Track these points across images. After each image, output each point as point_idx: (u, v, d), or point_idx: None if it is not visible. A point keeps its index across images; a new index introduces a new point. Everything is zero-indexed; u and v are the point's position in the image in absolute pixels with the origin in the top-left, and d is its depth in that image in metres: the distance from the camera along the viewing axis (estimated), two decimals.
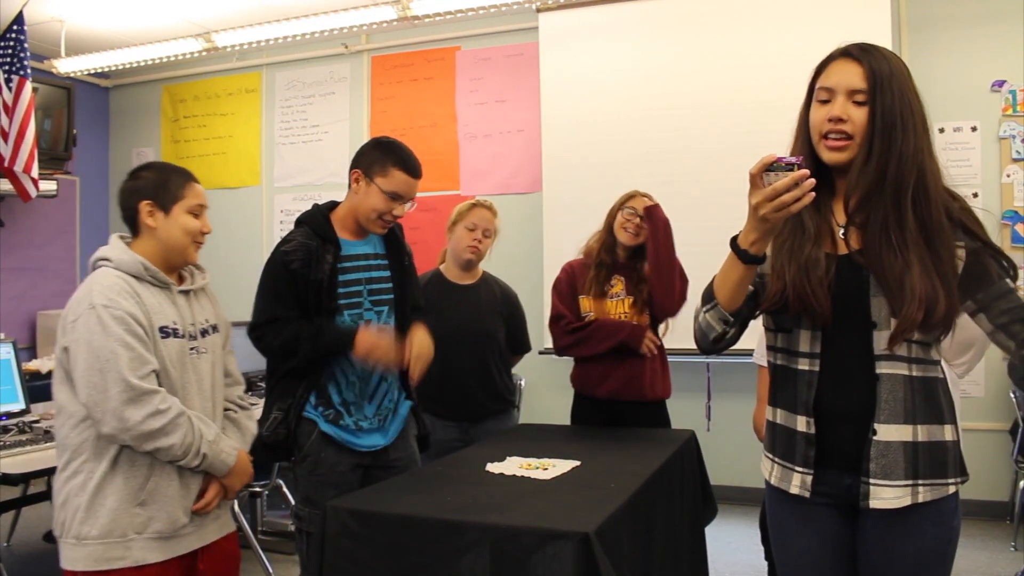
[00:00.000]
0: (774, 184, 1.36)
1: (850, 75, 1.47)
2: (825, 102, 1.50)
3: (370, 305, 2.37)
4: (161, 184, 1.92)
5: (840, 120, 1.47)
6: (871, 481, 1.48)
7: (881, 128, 1.45)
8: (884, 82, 1.45)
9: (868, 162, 1.46)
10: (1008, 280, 1.48)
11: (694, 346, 3.35)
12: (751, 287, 1.57)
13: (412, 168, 2.33)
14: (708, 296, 1.59)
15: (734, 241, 1.49)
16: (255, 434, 2.13)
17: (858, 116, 1.46)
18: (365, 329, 2.26)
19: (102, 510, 1.75)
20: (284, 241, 2.33)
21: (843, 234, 1.53)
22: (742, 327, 1.62)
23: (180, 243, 1.91)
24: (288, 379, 2.31)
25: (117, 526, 1.75)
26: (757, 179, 1.38)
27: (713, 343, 1.61)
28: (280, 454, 2.35)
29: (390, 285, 2.42)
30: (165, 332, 1.85)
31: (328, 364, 2.32)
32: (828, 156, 1.50)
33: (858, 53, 1.49)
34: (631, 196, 2.79)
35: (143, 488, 1.78)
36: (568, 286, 2.84)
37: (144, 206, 1.89)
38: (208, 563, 1.93)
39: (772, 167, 1.36)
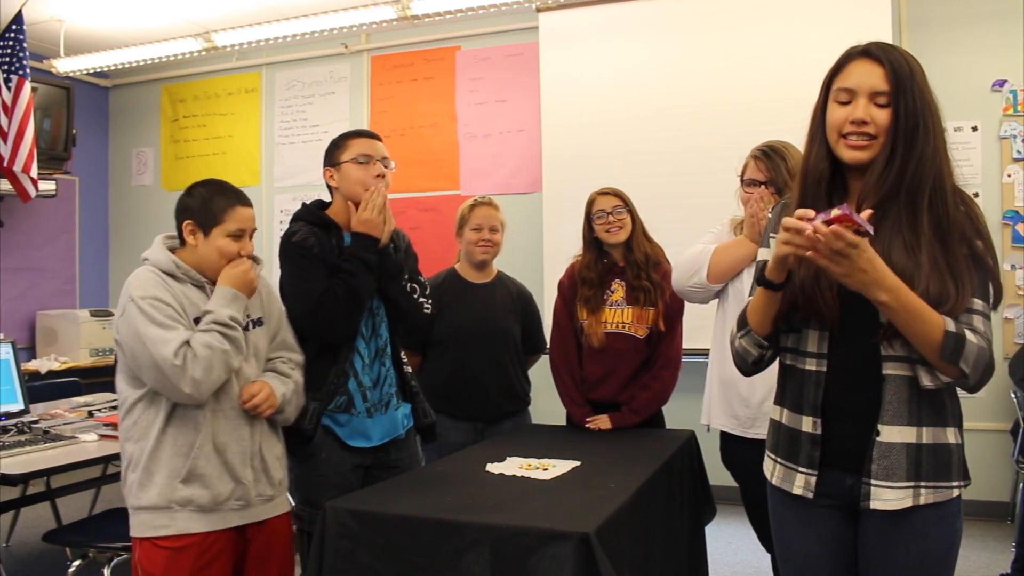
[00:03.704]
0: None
1: (872, 76, 1.45)
2: (845, 103, 1.48)
3: None
4: (205, 206, 1.99)
5: (863, 123, 1.45)
6: (872, 482, 1.47)
7: (904, 131, 1.44)
8: (905, 83, 1.44)
9: (889, 166, 1.44)
10: (977, 300, 1.44)
11: (694, 346, 3.35)
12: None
13: (365, 132, 2.40)
14: (742, 322, 1.61)
15: (761, 267, 1.51)
16: (285, 393, 2.10)
17: (881, 118, 1.45)
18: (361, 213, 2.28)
19: (152, 486, 1.91)
20: (289, 234, 2.32)
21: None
22: (778, 344, 1.63)
23: (215, 265, 2.00)
24: (318, 364, 2.28)
25: (163, 499, 1.90)
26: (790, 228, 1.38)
27: (753, 365, 1.64)
28: (298, 450, 2.33)
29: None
30: (195, 323, 1.96)
31: (350, 349, 2.32)
32: (850, 155, 1.48)
33: (878, 53, 1.46)
34: (592, 202, 2.77)
35: (185, 466, 1.92)
36: (571, 290, 2.83)
37: (186, 226, 2.00)
38: (257, 536, 2.04)
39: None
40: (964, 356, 1.39)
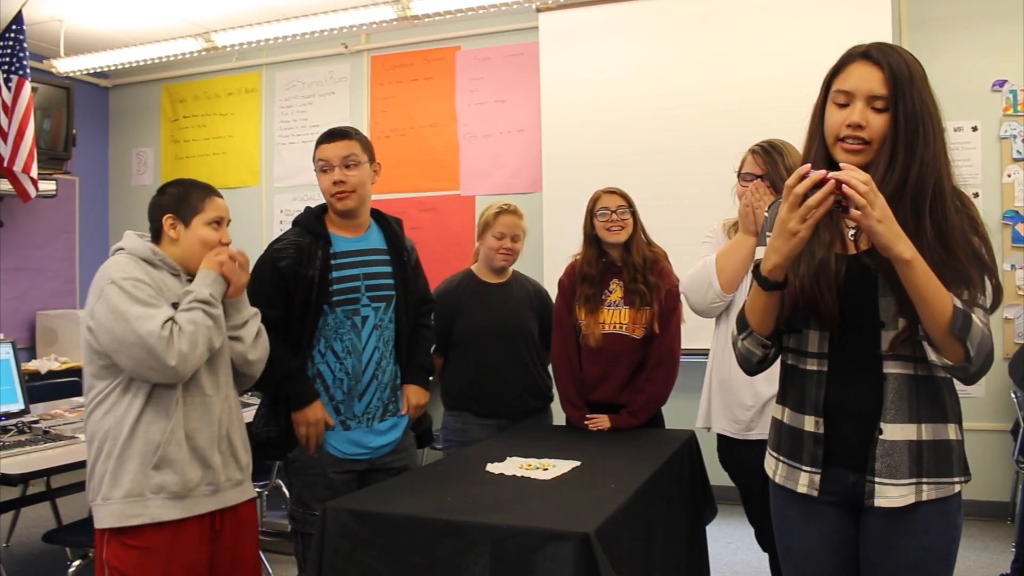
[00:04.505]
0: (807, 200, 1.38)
1: (870, 80, 1.44)
2: (843, 106, 1.47)
3: (368, 301, 2.37)
4: (182, 198, 2.06)
5: (859, 127, 1.44)
6: (876, 480, 1.48)
7: (904, 135, 1.43)
8: (905, 87, 1.43)
9: (891, 170, 1.43)
10: (978, 295, 1.43)
11: (694, 346, 3.35)
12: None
13: (327, 135, 2.39)
14: (742, 324, 1.60)
15: (756, 268, 1.50)
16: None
17: (876, 122, 1.44)
18: (317, 405, 2.30)
19: (124, 474, 1.91)
20: (276, 240, 2.36)
21: (853, 235, 1.53)
22: (781, 341, 1.63)
23: (198, 254, 2.04)
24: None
25: (136, 487, 1.91)
26: (789, 191, 1.39)
27: (758, 365, 1.64)
28: (270, 452, 2.35)
29: (391, 281, 2.42)
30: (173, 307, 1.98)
31: (315, 360, 2.33)
32: (844, 159, 1.47)
33: (878, 56, 1.45)
34: (597, 199, 2.76)
35: (155, 453, 1.92)
36: (570, 288, 2.82)
37: (167, 219, 2.05)
38: (227, 526, 2.07)
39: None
40: (971, 336, 1.37)
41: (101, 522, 1.93)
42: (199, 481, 1.98)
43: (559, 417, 3.12)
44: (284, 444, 2.32)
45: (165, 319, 1.88)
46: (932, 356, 1.43)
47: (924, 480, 1.48)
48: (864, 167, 1.46)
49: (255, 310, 2.16)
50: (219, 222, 2.08)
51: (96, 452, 1.95)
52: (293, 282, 2.28)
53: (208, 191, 2.09)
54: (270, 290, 2.27)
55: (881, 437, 1.48)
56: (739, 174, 2.43)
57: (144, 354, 1.85)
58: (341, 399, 2.34)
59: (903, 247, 1.34)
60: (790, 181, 1.41)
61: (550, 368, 2.98)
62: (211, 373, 2.05)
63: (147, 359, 1.85)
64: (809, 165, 1.41)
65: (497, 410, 2.95)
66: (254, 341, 2.13)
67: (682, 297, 2.65)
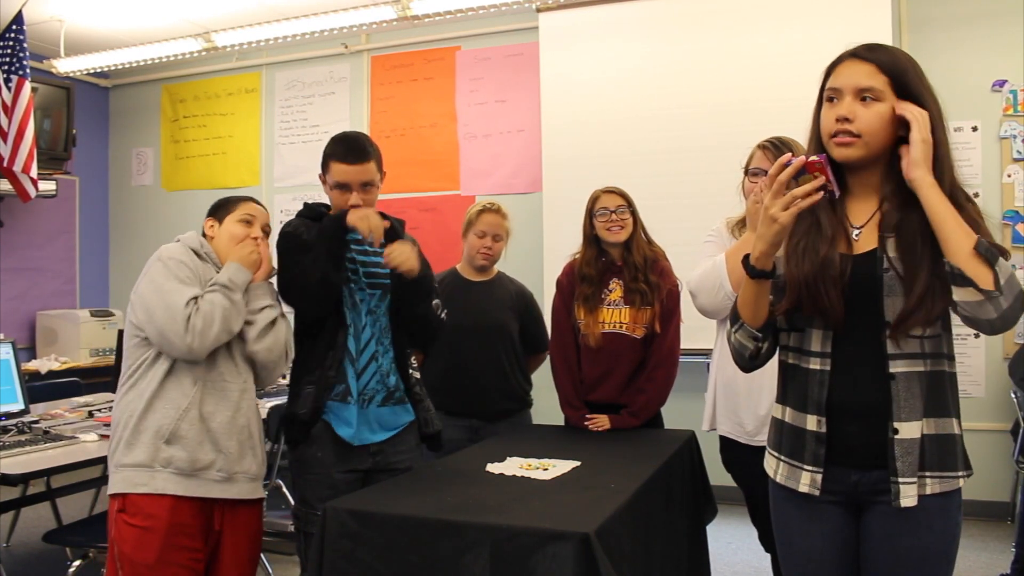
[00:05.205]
0: (792, 189, 1.42)
1: (856, 74, 1.48)
2: (833, 102, 1.51)
3: (364, 284, 2.38)
4: (222, 205, 2.29)
5: (846, 120, 1.47)
6: (900, 480, 1.48)
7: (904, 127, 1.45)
8: (900, 78, 1.47)
9: (891, 167, 1.46)
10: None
11: (693, 346, 3.34)
12: (770, 295, 1.58)
13: (345, 155, 2.30)
14: (734, 316, 1.62)
15: (746, 258, 1.52)
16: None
17: (865, 114, 1.47)
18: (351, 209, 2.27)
19: (138, 444, 2.01)
20: (285, 226, 2.38)
21: (856, 234, 1.54)
22: (776, 338, 1.64)
23: (227, 247, 2.20)
24: (315, 349, 2.30)
25: (147, 457, 2.00)
26: (773, 180, 1.41)
27: (750, 360, 1.65)
28: (295, 430, 2.31)
29: (388, 271, 2.42)
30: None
31: (344, 334, 2.31)
32: (837, 153, 1.50)
33: (865, 53, 1.49)
34: (596, 199, 2.76)
35: (169, 428, 2.01)
36: (569, 288, 2.82)
37: (207, 222, 2.28)
38: (227, 525, 2.10)
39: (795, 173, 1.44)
40: (999, 263, 1.37)
41: (113, 487, 2.02)
42: (209, 464, 2.04)
43: (538, 420, 3.11)
44: (309, 423, 2.30)
45: (192, 296, 2.02)
46: (957, 295, 1.39)
47: (927, 474, 1.48)
48: (862, 160, 1.50)
49: (273, 303, 2.22)
50: (249, 221, 2.24)
51: (116, 423, 2.06)
52: None
53: (245, 198, 2.30)
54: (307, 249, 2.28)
55: (897, 437, 1.48)
56: (747, 170, 2.39)
57: (166, 324, 1.98)
58: (354, 374, 2.34)
59: (926, 172, 1.41)
60: (773, 170, 1.46)
61: (546, 371, 2.97)
62: (232, 362, 2.12)
63: (168, 330, 1.98)
64: (790, 154, 1.46)
65: (469, 409, 2.94)
66: (264, 329, 2.16)
67: (688, 296, 2.64)
